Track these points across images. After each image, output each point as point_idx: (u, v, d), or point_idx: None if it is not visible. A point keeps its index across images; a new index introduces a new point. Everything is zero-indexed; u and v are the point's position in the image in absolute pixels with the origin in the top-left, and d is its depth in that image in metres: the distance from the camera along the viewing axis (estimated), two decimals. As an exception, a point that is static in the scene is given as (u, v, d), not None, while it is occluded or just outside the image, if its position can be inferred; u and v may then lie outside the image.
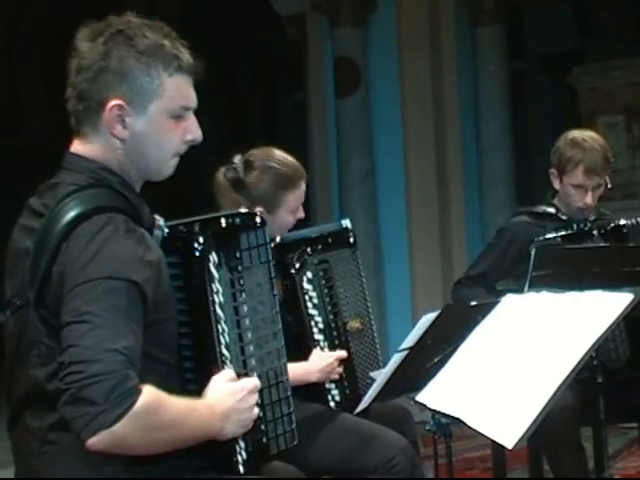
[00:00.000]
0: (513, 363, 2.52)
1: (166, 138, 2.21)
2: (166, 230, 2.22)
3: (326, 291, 3.37)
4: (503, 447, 2.37)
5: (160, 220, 2.22)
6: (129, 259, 2.00)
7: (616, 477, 4.03)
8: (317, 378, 3.24)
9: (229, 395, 2.13)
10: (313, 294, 3.34)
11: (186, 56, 2.20)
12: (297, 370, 3.16)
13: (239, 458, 2.18)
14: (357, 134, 7.92)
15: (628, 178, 9.46)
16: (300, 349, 3.26)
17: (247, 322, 2.23)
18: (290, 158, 3.40)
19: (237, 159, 3.28)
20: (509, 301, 2.76)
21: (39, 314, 2.05)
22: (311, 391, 3.21)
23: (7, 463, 2.36)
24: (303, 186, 3.36)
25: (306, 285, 3.33)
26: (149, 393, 1.92)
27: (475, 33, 8.40)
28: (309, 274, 3.33)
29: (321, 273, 3.37)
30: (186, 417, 2.03)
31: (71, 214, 2.04)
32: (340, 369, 3.29)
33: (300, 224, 3.47)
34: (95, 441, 1.86)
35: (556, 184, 4.01)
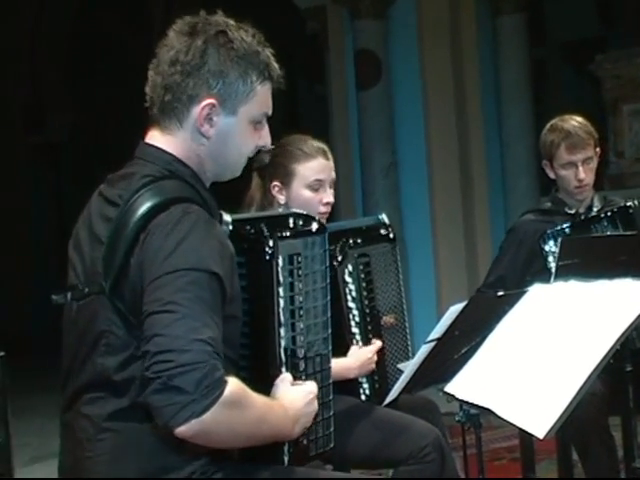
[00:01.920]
0: (542, 353, 2.51)
1: (245, 141, 2.27)
2: (230, 227, 2.23)
3: (364, 285, 3.36)
4: (532, 437, 2.37)
5: (226, 216, 2.23)
6: (211, 251, 2.02)
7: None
8: (355, 375, 3.24)
9: (299, 398, 2.15)
10: (352, 287, 3.33)
11: (275, 66, 2.26)
12: (336, 366, 3.17)
13: (285, 459, 2.20)
14: (379, 126, 7.93)
15: (652, 165, 9.42)
16: (337, 341, 3.27)
17: (301, 325, 2.24)
18: (308, 138, 3.40)
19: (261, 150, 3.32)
20: (537, 290, 2.75)
21: (113, 304, 2.07)
22: (343, 384, 3.21)
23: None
24: (320, 161, 3.33)
25: (347, 278, 3.33)
26: (235, 385, 1.94)
27: (496, 22, 8.39)
28: (350, 267, 3.32)
29: (361, 267, 3.35)
30: (266, 414, 2.05)
31: (147, 205, 2.06)
32: (373, 365, 3.30)
33: (332, 216, 3.47)
34: (184, 429, 1.87)
35: (551, 174, 4.03)
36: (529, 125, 8.34)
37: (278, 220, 2.27)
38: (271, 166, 3.33)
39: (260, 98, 2.24)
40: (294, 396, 2.15)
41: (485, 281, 4.12)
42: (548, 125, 4.04)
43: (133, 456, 2.06)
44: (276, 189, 3.31)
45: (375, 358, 3.28)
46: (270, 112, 2.30)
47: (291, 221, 2.25)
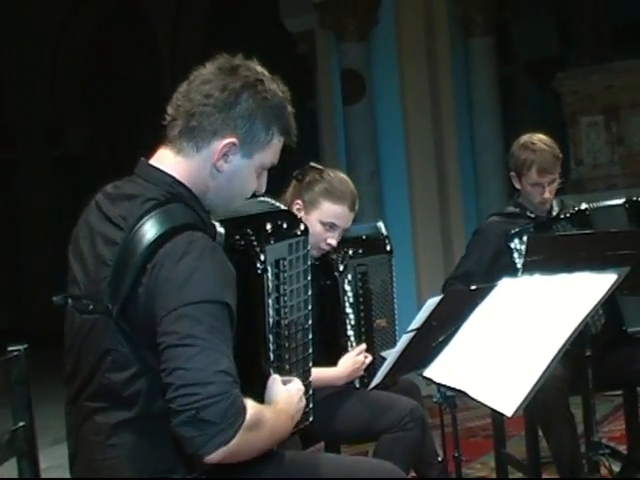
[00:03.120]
0: (510, 340, 2.51)
1: (249, 184, 2.21)
2: (222, 231, 2.15)
3: (361, 292, 3.34)
4: (502, 416, 2.37)
5: (219, 228, 2.15)
6: (220, 281, 1.96)
7: (603, 440, 4.01)
8: (345, 381, 3.23)
9: (293, 397, 2.14)
10: (350, 294, 3.32)
11: (294, 125, 2.23)
12: (326, 376, 3.17)
13: None
14: (363, 138, 7.91)
15: (608, 171, 9.44)
16: (333, 346, 3.26)
17: (286, 322, 2.20)
18: (347, 180, 3.35)
19: (310, 164, 3.30)
20: (506, 284, 2.75)
21: (119, 326, 2.00)
22: (333, 359, 3.22)
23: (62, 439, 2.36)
24: (344, 209, 3.25)
25: (346, 286, 3.31)
26: (253, 408, 1.92)
27: (467, 44, 8.39)
28: (349, 276, 3.30)
29: (359, 275, 3.33)
30: (276, 424, 2.04)
31: (153, 233, 1.98)
32: (362, 371, 3.27)
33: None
34: (214, 457, 1.86)
35: (517, 185, 4.05)
36: (498, 135, 8.36)
37: (264, 220, 2.20)
38: (306, 185, 3.28)
39: (274, 149, 2.20)
40: (288, 396, 2.13)
41: (453, 273, 4.13)
42: (520, 141, 4.03)
43: (141, 457, 2.04)
44: (297, 206, 3.24)
45: (365, 361, 3.26)
46: (276, 163, 2.25)
47: (276, 222, 2.19)
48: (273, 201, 2.63)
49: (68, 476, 2.23)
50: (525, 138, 4.04)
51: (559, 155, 4.01)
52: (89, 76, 14.67)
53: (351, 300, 3.32)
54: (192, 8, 13.49)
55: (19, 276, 14.54)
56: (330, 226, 3.22)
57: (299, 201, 3.23)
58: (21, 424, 2.54)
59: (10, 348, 2.55)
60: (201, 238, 2.00)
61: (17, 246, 14.61)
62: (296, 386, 2.17)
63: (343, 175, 3.37)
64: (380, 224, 3.53)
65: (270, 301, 2.12)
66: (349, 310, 3.32)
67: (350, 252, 3.30)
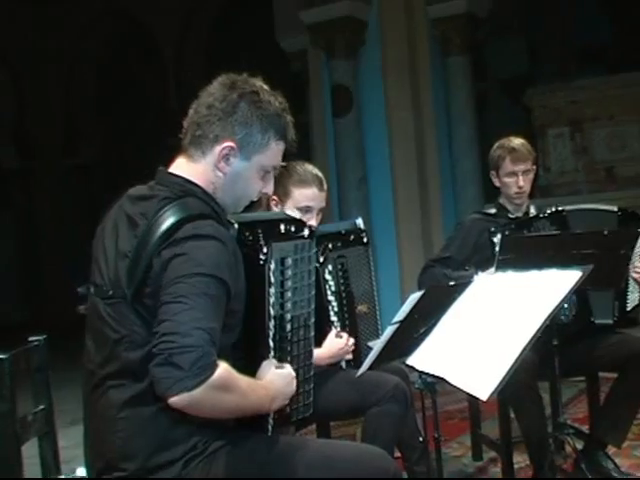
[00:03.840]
0: (485, 331, 2.52)
1: (252, 185, 2.26)
2: (236, 227, 2.21)
3: (342, 281, 3.34)
4: (478, 400, 2.37)
5: (234, 222, 2.21)
6: (221, 261, 2.00)
7: (568, 421, 4.02)
8: (327, 363, 3.21)
9: (281, 381, 2.14)
10: (332, 283, 3.31)
11: (292, 131, 2.27)
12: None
13: (269, 423, 2.19)
14: (351, 147, 7.90)
15: (573, 178, 9.48)
16: (317, 331, 3.26)
17: (289, 316, 2.20)
18: (311, 167, 3.35)
19: None
20: (481, 280, 2.76)
21: (134, 309, 2.05)
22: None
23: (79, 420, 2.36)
24: (314, 190, 3.27)
25: (327, 276, 3.31)
26: (224, 370, 1.93)
27: (446, 62, 8.39)
28: (330, 267, 3.30)
29: (339, 266, 3.34)
30: (248, 394, 2.04)
31: (170, 221, 2.04)
32: (346, 355, 3.28)
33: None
34: (176, 400, 1.88)
35: (497, 182, 4.06)
36: (474, 144, 8.37)
37: (275, 224, 2.22)
38: (276, 181, 3.30)
39: (272, 153, 2.24)
40: (274, 378, 2.13)
41: (434, 257, 4.10)
42: (496, 144, 4.08)
43: (147, 430, 2.05)
44: (274, 202, 3.27)
45: (349, 347, 3.27)
46: (278, 166, 2.30)
47: (285, 226, 2.21)
48: (289, 212, 2.62)
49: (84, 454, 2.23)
50: (501, 140, 4.08)
51: (531, 150, 4.04)
52: (102, 93, 14.69)
53: (333, 289, 3.32)
54: (195, 30, 13.52)
55: (38, 274, 14.54)
56: (306, 210, 3.24)
57: (274, 197, 3.25)
58: (41, 407, 2.55)
59: (31, 339, 2.57)
60: (210, 225, 2.05)
61: (37, 246, 14.62)
62: (287, 371, 2.18)
63: (306, 163, 3.37)
64: (359, 220, 3.53)
65: (272, 291, 2.13)
66: (331, 298, 3.32)
67: (330, 245, 3.30)
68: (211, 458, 2.07)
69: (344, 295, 3.35)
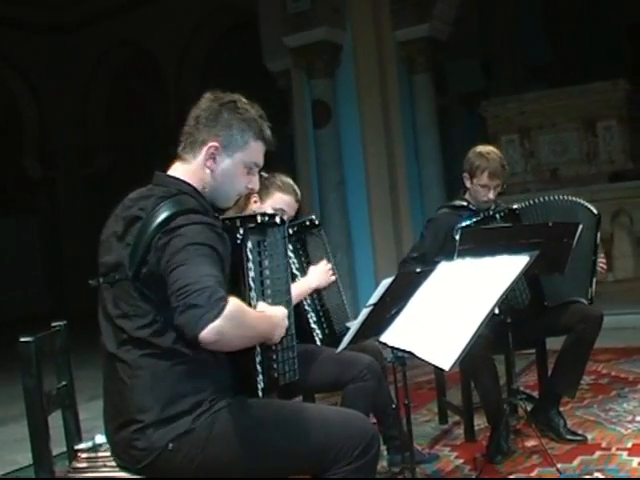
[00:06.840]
0: (447, 310, 2.53)
1: (237, 180, 2.29)
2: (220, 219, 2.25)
3: (303, 258, 3.46)
4: (442, 371, 2.39)
5: (217, 215, 2.26)
6: (213, 236, 2.04)
7: (521, 388, 4.05)
8: (317, 282, 3.36)
9: (279, 313, 2.16)
10: (295, 260, 3.42)
11: (268, 132, 2.31)
12: (301, 285, 3.31)
13: (259, 387, 2.19)
14: (330, 155, 7.90)
15: (523, 178, 9.53)
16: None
17: (269, 291, 2.22)
18: (292, 181, 3.46)
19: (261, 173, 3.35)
20: (443, 266, 2.78)
21: (135, 286, 2.09)
22: (302, 331, 3.25)
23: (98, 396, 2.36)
24: (290, 197, 3.38)
25: (290, 254, 3.37)
26: (234, 300, 1.94)
27: (411, 79, 8.39)
28: (290, 246, 3.36)
29: (298, 245, 3.46)
30: (259, 321, 2.07)
31: (163, 215, 2.07)
32: (331, 277, 3.40)
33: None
34: (205, 334, 1.87)
35: (468, 184, 4.04)
36: (437, 151, 8.37)
37: (253, 216, 2.25)
38: (262, 184, 3.33)
39: (252, 151, 2.29)
40: (273, 311, 2.15)
41: (409, 254, 4.08)
42: (477, 150, 4.01)
43: (160, 384, 2.07)
44: (254, 199, 3.30)
45: (329, 271, 3.39)
46: (260, 164, 2.33)
47: (261, 217, 2.24)
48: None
49: (103, 425, 2.24)
50: (481, 148, 4.02)
51: (505, 165, 4.01)
52: (113, 109, 14.67)
53: (297, 265, 3.42)
54: (193, 53, 13.55)
55: (59, 269, 14.54)
56: (281, 212, 3.28)
57: (256, 198, 3.30)
58: (64, 383, 2.55)
59: (53, 324, 2.58)
60: (200, 217, 2.09)
61: (58, 245, 14.64)
62: (281, 308, 2.19)
63: (289, 177, 3.49)
64: (313, 216, 3.59)
65: (251, 266, 2.16)
66: (297, 273, 3.40)
67: (290, 231, 3.36)
68: (215, 416, 2.08)
69: (305, 265, 3.44)
